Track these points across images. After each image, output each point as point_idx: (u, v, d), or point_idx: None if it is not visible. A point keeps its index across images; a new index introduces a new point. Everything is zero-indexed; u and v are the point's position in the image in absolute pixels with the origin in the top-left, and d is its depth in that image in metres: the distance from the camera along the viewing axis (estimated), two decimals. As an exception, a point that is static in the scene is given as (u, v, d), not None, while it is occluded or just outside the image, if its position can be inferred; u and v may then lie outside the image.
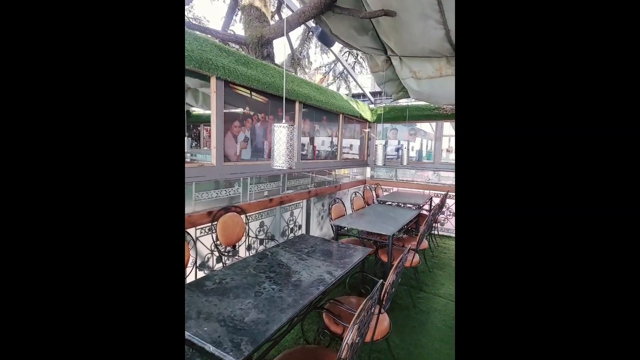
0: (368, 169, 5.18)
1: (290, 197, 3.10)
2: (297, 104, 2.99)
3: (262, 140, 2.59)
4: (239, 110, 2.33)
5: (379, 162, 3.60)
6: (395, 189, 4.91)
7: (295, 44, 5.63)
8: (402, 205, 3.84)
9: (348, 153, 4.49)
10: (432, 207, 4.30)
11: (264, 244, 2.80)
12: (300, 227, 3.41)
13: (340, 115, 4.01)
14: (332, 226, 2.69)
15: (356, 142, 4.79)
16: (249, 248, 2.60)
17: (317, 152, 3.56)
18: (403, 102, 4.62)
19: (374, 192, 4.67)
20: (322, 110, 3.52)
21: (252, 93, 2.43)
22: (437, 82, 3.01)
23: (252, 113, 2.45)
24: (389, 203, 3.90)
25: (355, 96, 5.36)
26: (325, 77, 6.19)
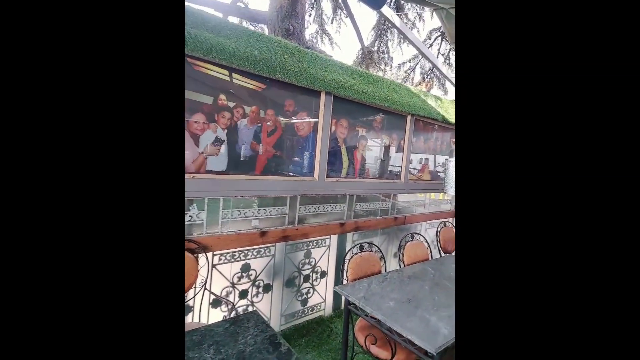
0: (459, 197, 3.62)
1: (304, 230, 2.14)
2: (322, 96, 2.05)
3: (250, 143, 1.77)
4: (208, 98, 1.60)
5: None
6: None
7: (369, 38, 4.64)
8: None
9: (420, 171, 3.15)
10: None
11: (249, 296, 1.94)
12: (324, 274, 2.37)
13: (408, 117, 2.79)
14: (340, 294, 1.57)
15: (440, 158, 3.38)
16: (215, 304, 1.78)
17: (359, 166, 2.47)
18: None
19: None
20: (371, 107, 2.44)
21: (234, 75, 1.67)
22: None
23: (230, 104, 1.68)
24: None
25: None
26: (409, 75, 4.83)
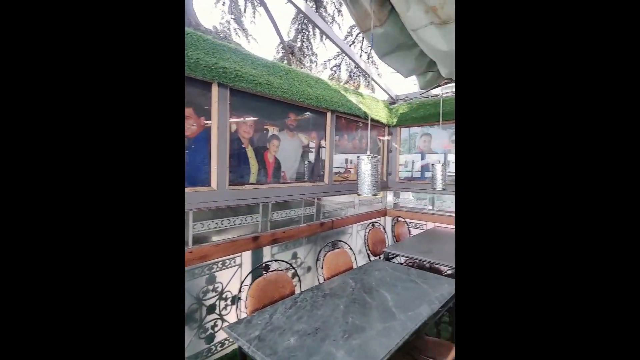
0: (390, 195, 3.57)
1: (201, 252, 1.75)
2: (214, 88, 1.70)
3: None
4: None
5: (438, 186, 2.40)
6: (430, 225, 3.20)
7: (291, 33, 4.42)
8: (428, 266, 2.16)
9: (345, 171, 2.99)
10: None
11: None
12: (236, 299, 2.00)
13: (328, 114, 2.59)
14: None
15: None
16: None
17: (273, 169, 2.17)
18: (438, 92, 3.00)
19: (390, 230, 3.03)
20: (282, 103, 2.17)
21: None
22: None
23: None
24: (404, 261, 2.26)
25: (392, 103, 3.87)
26: (335, 73, 4.76)
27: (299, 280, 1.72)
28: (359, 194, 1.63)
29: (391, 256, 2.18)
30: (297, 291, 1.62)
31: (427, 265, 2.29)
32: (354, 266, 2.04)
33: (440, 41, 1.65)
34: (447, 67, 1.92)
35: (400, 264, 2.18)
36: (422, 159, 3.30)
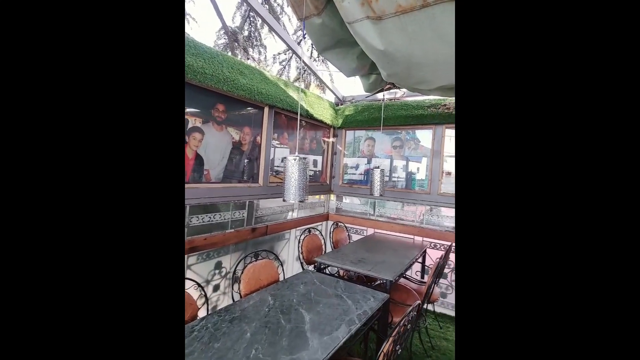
0: (333, 199, 3.46)
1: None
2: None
3: None
4: None
5: (376, 192, 2.32)
6: (370, 231, 3.15)
7: (237, 19, 4.09)
8: (362, 280, 2.05)
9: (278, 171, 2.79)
10: (432, 270, 2.50)
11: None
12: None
13: (266, 109, 2.36)
14: None
15: (318, 158, 3.12)
16: None
17: (193, 167, 1.88)
18: (381, 96, 2.95)
19: (329, 238, 2.91)
20: (208, 91, 1.89)
21: None
22: (418, 25, 1.35)
23: None
24: (337, 271, 2.13)
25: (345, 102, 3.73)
26: (285, 69, 4.52)
27: (206, 300, 1.47)
28: (284, 200, 1.43)
29: (323, 266, 2.04)
30: (202, 314, 1.37)
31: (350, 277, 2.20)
32: (281, 278, 1.85)
33: (375, 39, 1.54)
34: (385, 69, 1.83)
35: (332, 274, 2.05)
36: (368, 162, 3.25)
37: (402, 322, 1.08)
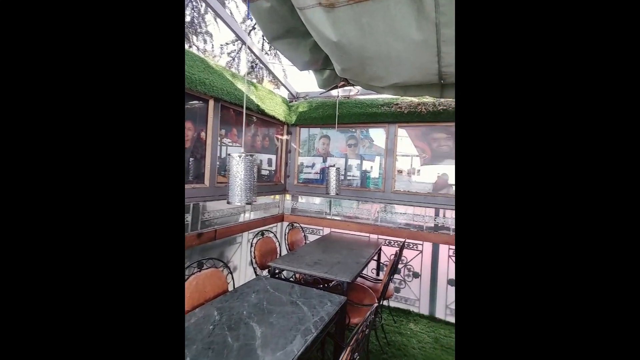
0: (288, 199, 3.33)
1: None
2: None
3: None
4: None
5: (332, 191, 2.28)
6: (327, 231, 3.10)
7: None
8: (320, 284, 1.97)
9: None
10: (388, 267, 2.50)
11: None
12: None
13: (211, 102, 2.15)
14: None
15: (271, 157, 2.95)
16: None
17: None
18: (336, 93, 2.91)
19: (284, 240, 2.78)
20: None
21: None
22: (372, 16, 1.30)
23: None
24: (293, 275, 2.02)
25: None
26: (234, 60, 4.24)
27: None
28: (228, 202, 1.27)
29: (278, 271, 1.91)
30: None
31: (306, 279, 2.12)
32: (231, 288, 1.67)
33: (328, 28, 1.46)
34: (339, 63, 1.77)
35: (287, 279, 1.93)
36: (324, 161, 3.19)
37: (360, 329, 1.01)
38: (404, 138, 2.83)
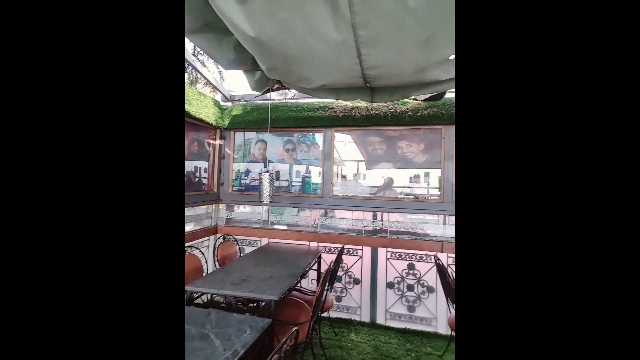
0: (222, 209, 3.06)
1: None
2: None
3: None
4: None
5: (265, 198, 2.16)
6: (265, 241, 2.90)
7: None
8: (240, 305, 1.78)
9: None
10: (322, 276, 2.40)
11: None
12: None
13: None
14: None
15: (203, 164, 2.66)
16: None
17: None
18: (275, 97, 2.77)
19: (213, 256, 2.52)
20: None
21: None
22: (288, 12, 1.20)
23: None
24: (211, 297, 1.80)
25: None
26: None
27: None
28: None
29: (196, 295, 1.67)
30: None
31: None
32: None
33: (244, 23, 1.31)
34: (263, 62, 1.63)
35: (205, 304, 1.71)
36: (265, 166, 3.00)
37: (272, 357, 0.86)
38: (350, 143, 2.82)
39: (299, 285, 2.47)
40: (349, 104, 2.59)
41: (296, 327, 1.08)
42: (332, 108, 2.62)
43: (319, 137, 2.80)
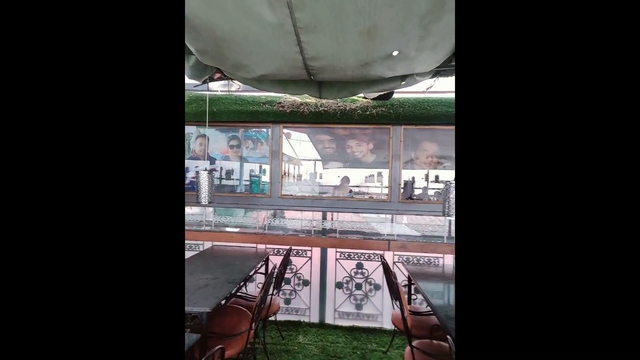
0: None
1: None
2: None
3: None
4: None
5: (203, 199, 1.99)
6: (208, 245, 2.67)
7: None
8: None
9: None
10: (264, 282, 2.26)
11: None
12: None
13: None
14: None
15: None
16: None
17: None
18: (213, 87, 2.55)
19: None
20: None
21: None
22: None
23: None
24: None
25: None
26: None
27: None
28: None
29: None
30: None
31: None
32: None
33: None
34: (191, 44, 1.43)
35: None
36: (212, 164, 2.75)
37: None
38: (306, 142, 2.72)
39: (242, 291, 2.31)
40: (298, 99, 2.49)
41: (220, 346, 0.95)
42: (280, 103, 2.49)
43: (267, 133, 2.66)
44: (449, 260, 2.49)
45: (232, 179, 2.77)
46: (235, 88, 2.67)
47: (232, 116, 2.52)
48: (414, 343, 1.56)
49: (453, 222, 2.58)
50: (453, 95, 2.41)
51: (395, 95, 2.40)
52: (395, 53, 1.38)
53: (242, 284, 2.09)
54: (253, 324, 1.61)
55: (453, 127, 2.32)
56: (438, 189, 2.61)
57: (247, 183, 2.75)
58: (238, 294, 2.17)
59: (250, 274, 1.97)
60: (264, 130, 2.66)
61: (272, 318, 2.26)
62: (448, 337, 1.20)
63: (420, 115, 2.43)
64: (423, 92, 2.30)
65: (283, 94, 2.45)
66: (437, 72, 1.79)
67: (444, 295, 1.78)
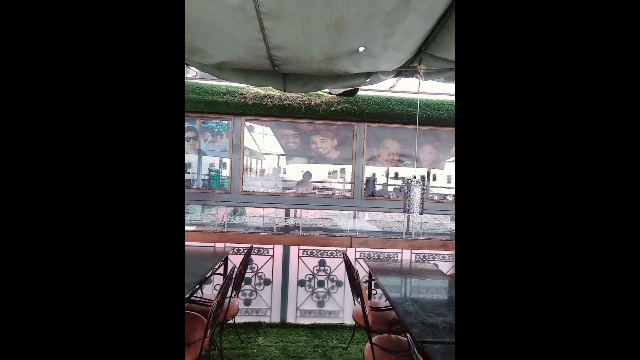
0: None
1: None
2: None
3: None
4: None
5: None
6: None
7: None
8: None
9: None
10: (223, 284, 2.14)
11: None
12: None
13: None
14: None
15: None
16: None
17: None
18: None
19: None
20: None
21: None
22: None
23: None
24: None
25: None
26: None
27: None
28: None
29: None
30: None
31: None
32: None
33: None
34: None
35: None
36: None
37: None
38: (269, 136, 2.60)
39: (197, 295, 2.16)
40: (261, 90, 2.38)
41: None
42: (242, 94, 2.36)
43: (228, 125, 2.50)
44: (406, 256, 2.59)
45: (189, 173, 2.58)
46: (191, 75, 2.46)
47: (188, 105, 2.32)
48: (374, 339, 1.58)
49: (412, 219, 2.68)
50: (414, 96, 2.48)
51: (359, 92, 2.40)
52: (361, 49, 1.35)
53: (196, 287, 1.95)
54: (208, 331, 1.50)
55: (414, 127, 2.39)
56: (397, 185, 2.69)
57: (205, 178, 2.58)
58: (192, 298, 2.02)
59: (207, 275, 1.84)
60: (225, 122, 2.50)
61: (230, 321, 2.15)
62: (408, 334, 1.22)
63: (383, 113, 2.46)
64: (386, 90, 2.33)
65: (245, 85, 2.31)
66: (399, 72, 1.82)
67: (402, 289, 1.83)
